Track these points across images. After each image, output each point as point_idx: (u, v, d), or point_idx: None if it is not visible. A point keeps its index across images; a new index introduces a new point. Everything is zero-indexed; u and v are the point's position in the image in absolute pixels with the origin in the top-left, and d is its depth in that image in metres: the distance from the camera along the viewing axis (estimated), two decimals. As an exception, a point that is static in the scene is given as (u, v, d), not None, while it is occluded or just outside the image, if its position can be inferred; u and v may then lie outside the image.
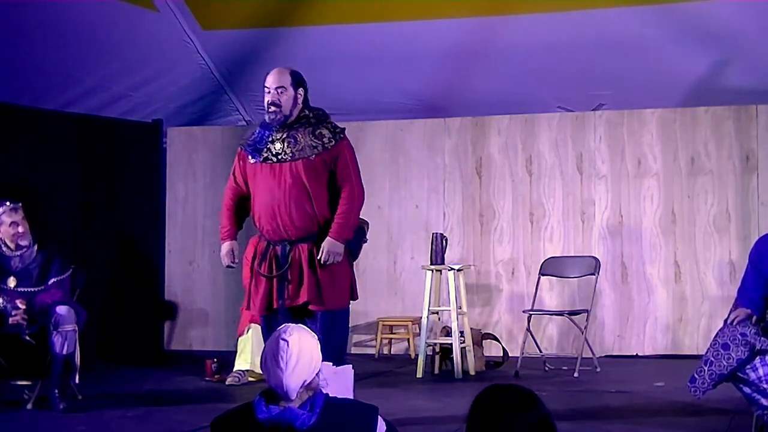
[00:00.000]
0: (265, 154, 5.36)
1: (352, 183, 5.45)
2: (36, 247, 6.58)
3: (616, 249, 8.76)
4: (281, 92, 5.33)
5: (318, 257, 5.34)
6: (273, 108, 5.34)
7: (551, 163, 8.97)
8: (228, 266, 5.63)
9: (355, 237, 5.53)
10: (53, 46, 8.31)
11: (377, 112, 9.38)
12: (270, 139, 5.38)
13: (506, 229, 9.01)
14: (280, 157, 5.33)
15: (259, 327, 7.42)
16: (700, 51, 8.34)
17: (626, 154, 8.81)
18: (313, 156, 5.33)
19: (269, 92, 5.35)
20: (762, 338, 4.76)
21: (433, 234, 8.00)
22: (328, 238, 5.36)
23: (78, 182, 9.05)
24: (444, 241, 7.93)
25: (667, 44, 8.34)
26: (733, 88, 8.55)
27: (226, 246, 5.58)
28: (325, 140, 5.38)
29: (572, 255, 8.66)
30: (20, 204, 6.60)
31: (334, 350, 5.23)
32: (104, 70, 8.91)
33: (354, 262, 5.69)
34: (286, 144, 5.34)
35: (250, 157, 5.42)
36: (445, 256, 7.92)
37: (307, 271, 5.33)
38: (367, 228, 5.79)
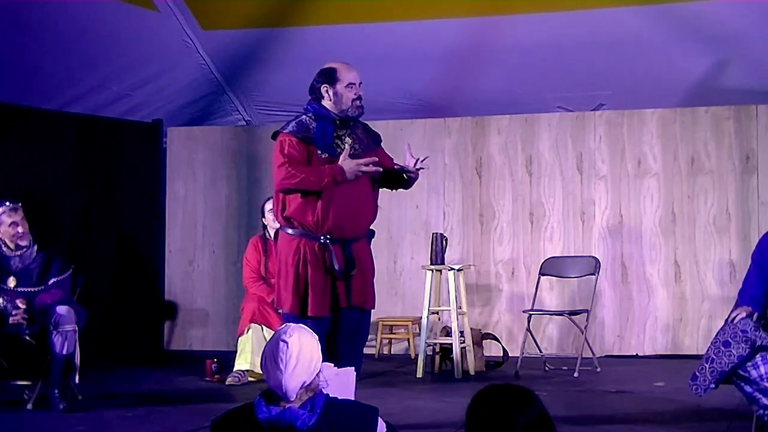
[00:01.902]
0: (338, 150, 5.12)
1: None
2: (36, 247, 6.58)
3: (616, 249, 8.75)
4: (361, 87, 5.23)
5: (417, 165, 5.14)
6: (359, 102, 5.19)
7: (551, 163, 8.96)
8: (369, 164, 5.06)
9: (370, 235, 5.40)
10: (53, 46, 8.30)
11: (377, 112, 9.33)
12: (334, 134, 5.16)
13: (506, 229, 9.01)
14: (351, 153, 5.11)
15: (259, 327, 7.48)
16: (700, 51, 8.34)
17: (626, 154, 8.81)
18: (375, 152, 5.23)
19: (354, 86, 5.19)
20: (763, 334, 4.76)
21: (433, 234, 8.00)
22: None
23: (78, 182, 9.05)
24: (444, 241, 7.93)
25: (667, 44, 8.33)
26: (733, 88, 8.55)
27: (347, 160, 5.02)
28: (377, 137, 5.33)
29: (572, 255, 8.65)
30: (20, 204, 6.60)
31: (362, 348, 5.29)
32: (104, 70, 8.91)
33: None
34: (352, 139, 5.18)
35: (319, 150, 5.09)
36: (445, 256, 7.92)
37: (369, 270, 5.20)
38: None
